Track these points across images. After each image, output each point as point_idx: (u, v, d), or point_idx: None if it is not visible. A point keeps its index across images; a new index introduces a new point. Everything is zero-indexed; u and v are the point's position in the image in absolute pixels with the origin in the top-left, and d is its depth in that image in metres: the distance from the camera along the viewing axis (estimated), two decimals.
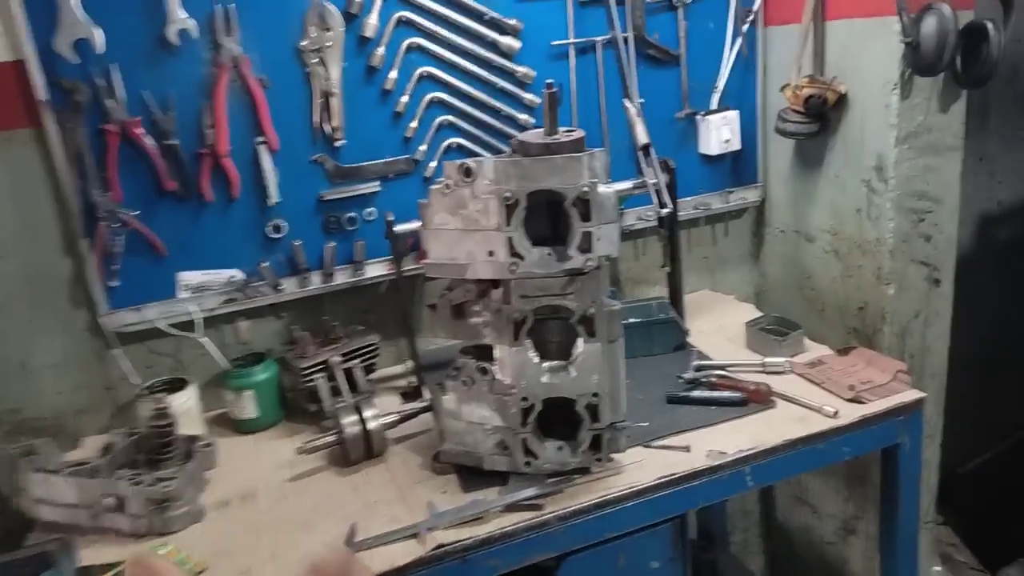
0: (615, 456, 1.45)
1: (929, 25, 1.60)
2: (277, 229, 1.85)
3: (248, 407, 1.79)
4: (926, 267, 1.83)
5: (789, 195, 2.11)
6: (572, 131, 1.39)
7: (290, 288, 1.90)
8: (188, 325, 1.83)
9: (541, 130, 1.40)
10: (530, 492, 1.38)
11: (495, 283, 1.41)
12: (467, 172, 1.37)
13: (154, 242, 1.76)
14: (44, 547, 1.22)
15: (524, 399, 1.39)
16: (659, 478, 1.39)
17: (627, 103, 1.88)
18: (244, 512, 1.49)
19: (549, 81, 1.36)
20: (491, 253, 1.37)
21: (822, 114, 1.88)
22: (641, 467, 1.43)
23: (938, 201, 1.80)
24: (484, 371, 1.44)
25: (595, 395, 1.38)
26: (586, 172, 1.32)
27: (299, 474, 1.60)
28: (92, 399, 1.85)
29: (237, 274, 1.85)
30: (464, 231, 1.40)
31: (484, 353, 1.46)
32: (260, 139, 1.76)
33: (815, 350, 1.80)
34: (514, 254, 1.35)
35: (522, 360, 1.39)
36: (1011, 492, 2.34)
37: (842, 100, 1.84)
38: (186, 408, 1.74)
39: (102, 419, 1.87)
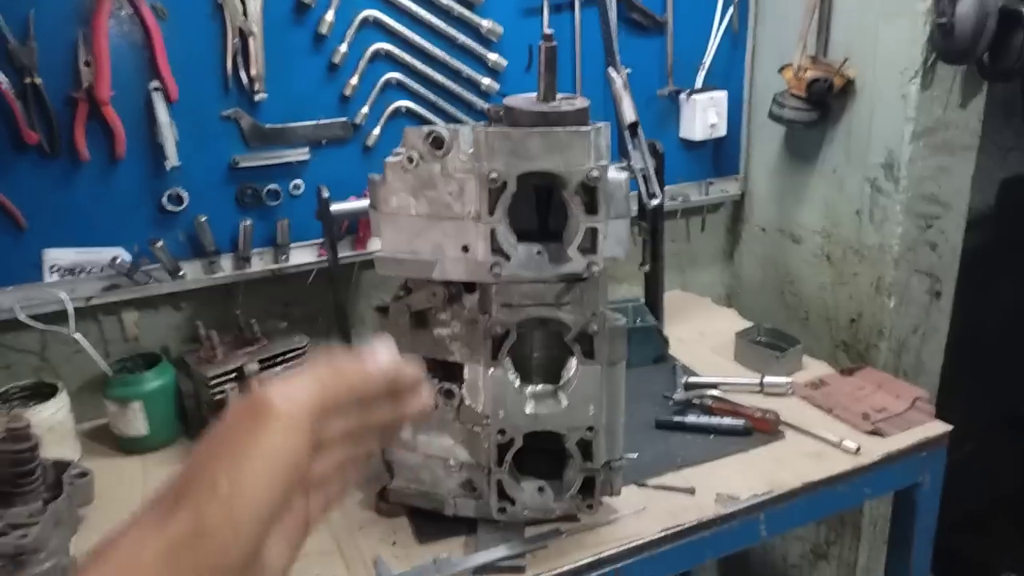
0: (606, 500, 1.19)
1: (966, 5, 1.39)
2: (176, 200, 1.48)
3: (136, 422, 1.42)
4: (929, 278, 1.66)
5: (774, 190, 1.90)
6: (573, 98, 1.10)
7: (193, 274, 1.53)
8: (58, 316, 1.44)
9: (532, 95, 1.10)
10: (507, 550, 1.10)
11: (469, 287, 1.11)
12: (438, 143, 1.06)
13: (11, 210, 1.36)
14: None
15: (501, 432, 1.11)
16: (663, 530, 1.14)
17: (612, 73, 1.60)
18: None
19: (548, 32, 1.07)
20: (466, 248, 1.07)
21: (823, 101, 1.67)
22: (640, 515, 1.17)
23: (947, 206, 1.63)
24: (450, 394, 1.14)
25: (590, 429, 1.11)
26: (593, 152, 1.04)
27: None
28: None
29: (123, 254, 1.47)
30: (430, 218, 1.09)
31: (449, 371, 1.16)
32: (155, 85, 1.39)
33: (812, 367, 1.59)
34: (496, 251, 1.06)
35: (500, 384, 1.10)
36: (972, 512, 2.26)
37: (848, 87, 1.63)
38: (54, 422, 1.37)
39: None
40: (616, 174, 1.08)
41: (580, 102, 1.08)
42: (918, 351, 1.71)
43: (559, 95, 1.10)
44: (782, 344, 1.60)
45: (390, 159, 1.10)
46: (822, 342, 1.82)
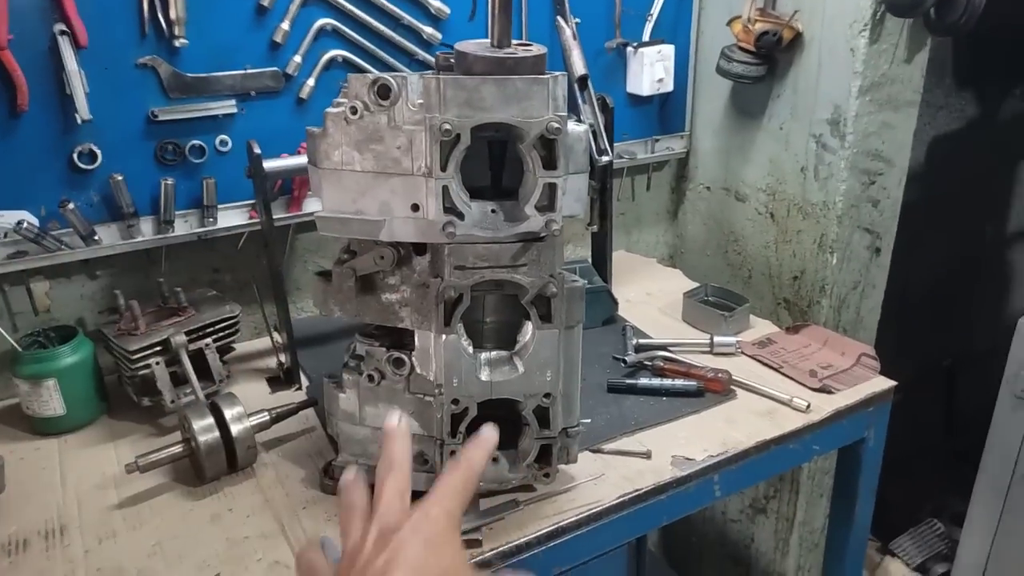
0: (563, 468, 1.15)
1: None
2: (89, 157, 1.35)
3: (51, 401, 1.31)
4: (870, 234, 1.68)
5: (719, 147, 1.88)
6: (528, 45, 1.03)
7: (109, 238, 1.41)
8: None
9: (484, 41, 1.03)
10: (463, 523, 1.05)
11: (420, 248, 1.04)
12: (384, 91, 0.98)
13: None
14: None
15: (455, 402, 1.06)
16: (621, 495, 1.12)
17: (561, 22, 1.53)
18: (50, 559, 1.05)
19: None
20: (416, 207, 1.00)
21: (771, 55, 1.65)
22: (597, 481, 1.14)
23: (889, 162, 1.64)
24: (400, 363, 1.08)
25: (547, 396, 1.07)
26: (551, 102, 0.98)
27: (130, 497, 1.16)
28: None
29: (29, 217, 1.33)
30: (377, 174, 1.01)
31: (398, 338, 1.10)
32: (60, 28, 1.24)
33: (759, 326, 1.59)
34: (449, 210, 0.99)
35: (454, 351, 1.04)
36: (897, 460, 2.35)
37: (796, 40, 1.61)
38: None
39: None
40: (576, 126, 1.02)
41: (537, 49, 1.01)
42: (857, 307, 1.74)
43: (515, 42, 1.03)
44: (729, 303, 1.60)
45: (331, 110, 1.01)
46: (764, 300, 1.83)
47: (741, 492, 2.06)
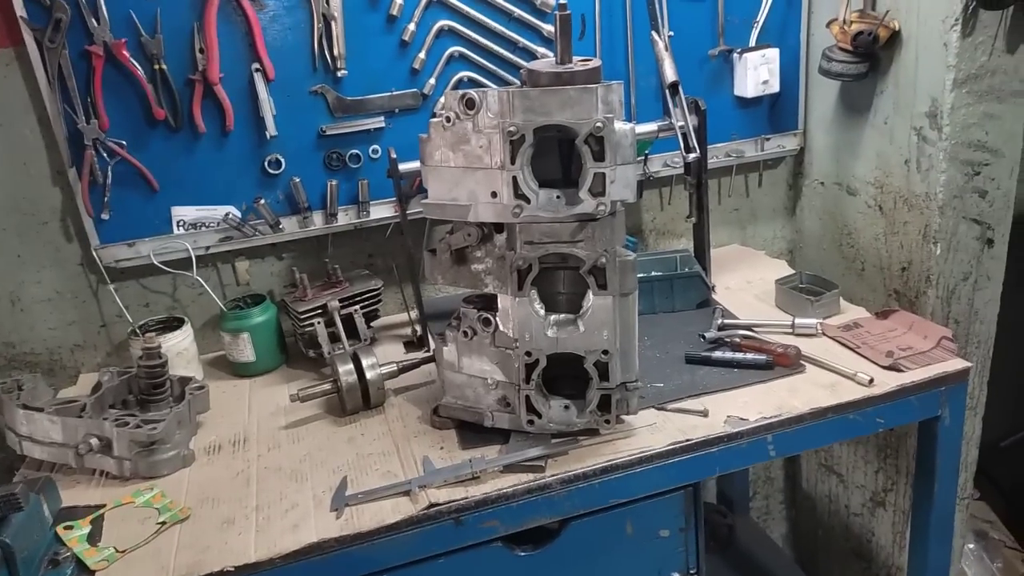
0: (626, 418, 1.34)
1: None
2: (276, 164, 1.74)
3: (245, 350, 1.71)
4: (979, 225, 1.67)
5: (831, 144, 1.94)
6: (588, 60, 1.24)
7: (290, 228, 1.80)
8: (184, 263, 1.75)
9: (553, 59, 1.26)
10: (532, 452, 1.28)
11: (498, 227, 1.29)
12: (469, 104, 1.24)
13: (145, 174, 1.66)
14: (12, 489, 1.16)
15: (528, 354, 1.29)
16: (672, 443, 1.29)
17: (655, 36, 1.71)
18: (234, 459, 1.42)
19: (562, 1, 1.22)
20: (494, 194, 1.25)
21: (872, 53, 1.70)
22: (654, 431, 1.32)
23: (996, 153, 1.62)
24: (487, 322, 1.33)
25: (605, 352, 1.27)
26: (601, 105, 1.18)
27: (294, 422, 1.52)
28: (87, 336, 1.79)
29: (233, 211, 1.75)
30: (466, 169, 1.27)
31: (488, 303, 1.35)
32: (256, 66, 1.64)
33: (851, 312, 1.65)
34: (519, 196, 1.23)
35: (526, 312, 1.28)
36: None
37: (895, 38, 1.66)
38: (181, 348, 1.67)
39: (99, 357, 1.82)
40: (622, 125, 1.21)
41: (593, 63, 1.22)
42: (970, 298, 1.72)
43: (578, 58, 1.25)
44: (819, 289, 1.67)
45: (433, 119, 1.29)
46: (877, 292, 1.86)
47: (862, 486, 2.07)
